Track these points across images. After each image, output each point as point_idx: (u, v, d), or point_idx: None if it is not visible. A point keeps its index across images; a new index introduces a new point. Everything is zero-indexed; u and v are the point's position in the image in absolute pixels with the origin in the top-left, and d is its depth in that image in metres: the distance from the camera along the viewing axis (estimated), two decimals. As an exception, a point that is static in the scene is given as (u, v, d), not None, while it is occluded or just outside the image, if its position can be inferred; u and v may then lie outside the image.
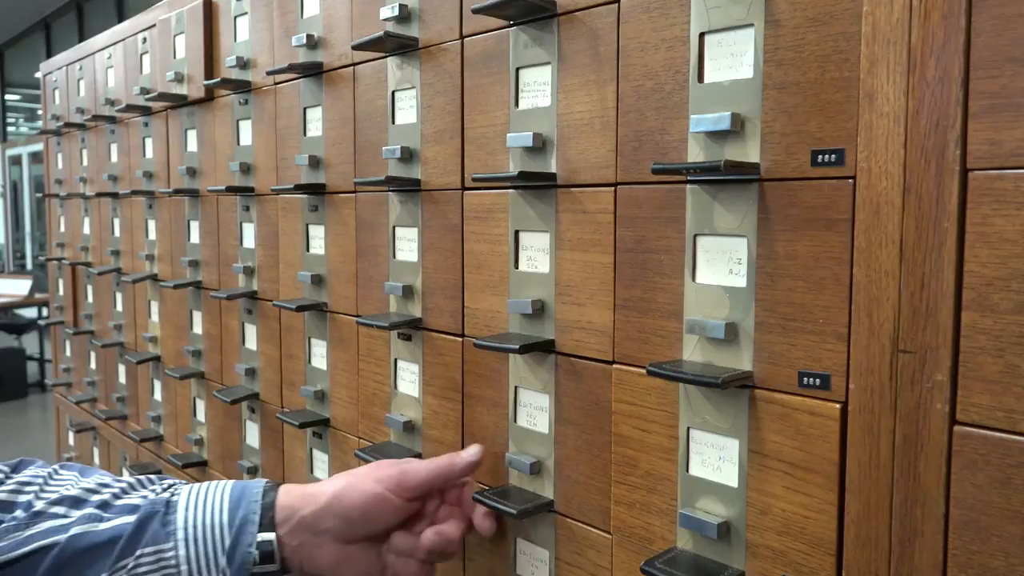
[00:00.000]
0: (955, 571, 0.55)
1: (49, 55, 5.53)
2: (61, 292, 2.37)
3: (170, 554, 0.72)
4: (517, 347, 0.80)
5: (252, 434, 1.41)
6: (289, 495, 0.79)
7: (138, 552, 0.71)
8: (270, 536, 0.75)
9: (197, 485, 0.79)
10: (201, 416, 1.59)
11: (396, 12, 0.99)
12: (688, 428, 0.72)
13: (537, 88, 0.84)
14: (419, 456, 1.01)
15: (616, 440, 0.77)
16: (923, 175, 0.55)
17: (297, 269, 1.26)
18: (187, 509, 0.75)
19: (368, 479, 0.80)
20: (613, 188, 0.77)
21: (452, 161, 0.95)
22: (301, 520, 0.77)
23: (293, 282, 1.27)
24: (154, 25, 1.67)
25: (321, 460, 1.22)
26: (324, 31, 1.15)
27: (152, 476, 0.81)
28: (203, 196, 1.55)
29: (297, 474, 1.28)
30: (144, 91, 1.70)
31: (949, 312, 0.55)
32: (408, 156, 1.00)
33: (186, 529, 0.73)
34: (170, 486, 0.79)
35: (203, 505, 0.75)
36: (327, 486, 0.80)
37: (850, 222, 0.60)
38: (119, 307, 1.95)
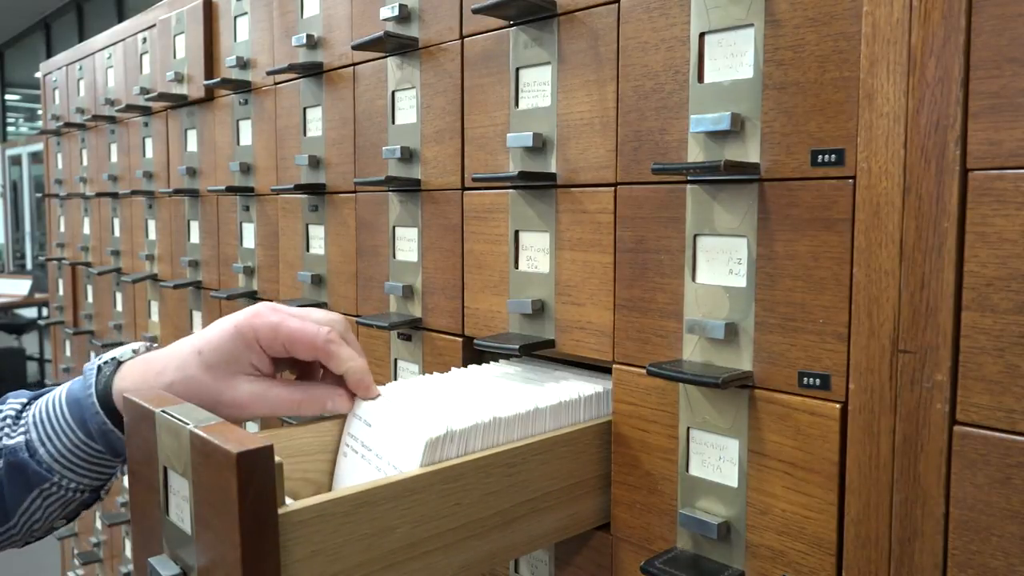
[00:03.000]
0: (955, 571, 0.55)
1: (49, 55, 5.53)
2: (61, 292, 2.37)
3: (61, 483, 0.72)
4: (517, 347, 0.80)
5: (252, 434, 1.41)
6: (126, 382, 0.73)
7: (35, 492, 0.72)
8: None
9: (38, 414, 0.74)
10: (201, 416, 1.59)
11: (396, 12, 0.99)
12: (688, 428, 0.72)
13: (537, 88, 0.84)
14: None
15: (616, 440, 0.77)
16: (923, 175, 0.55)
17: (297, 269, 1.26)
18: (43, 443, 0.72)
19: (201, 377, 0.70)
20: (613, 188, 0.77)
21: (452, 161, 0.95)
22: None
23: (293, 282, 1.27)
24: (154, 25, 1.67)
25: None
26: (324, 31, 1.15)
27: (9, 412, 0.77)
28: (203, 196, 1.55)
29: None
30: (144, 91, 1.70)
31: (949, 312, 0.55)
32: (408, 156, 1.00)
33: (58, 461, 0.72)
34: (17, 419, 0.76)
35: (57, 436, 0.73)
36: (164, 375, 0.71)
37: (850, 222, 0.60)
38: (119, 307, 1.95)
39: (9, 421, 0.75)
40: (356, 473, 0.70)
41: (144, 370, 0.72)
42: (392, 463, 0.66)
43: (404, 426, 0.66)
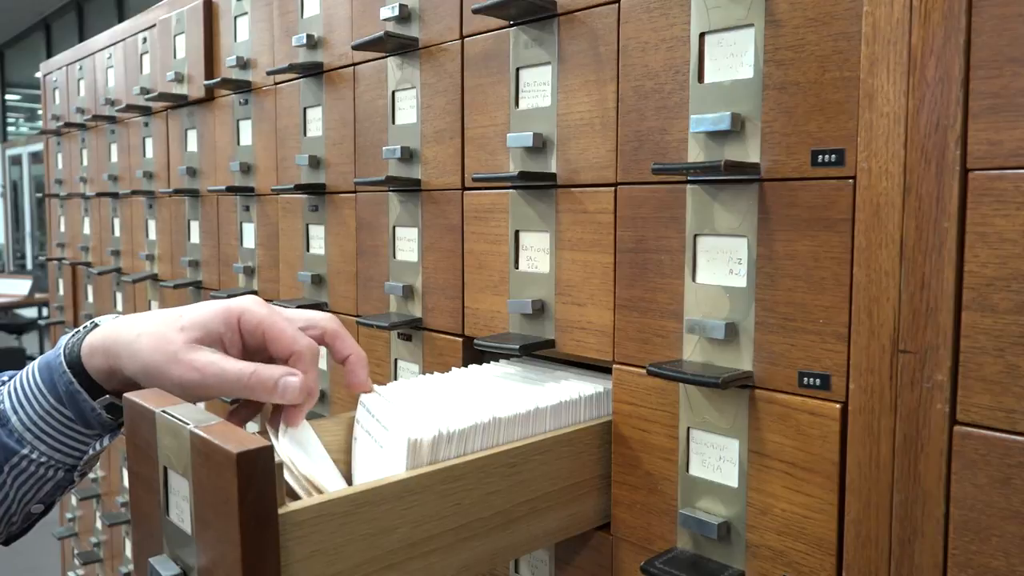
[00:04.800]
0: (955, 571, 0.55)
1: (49, 55, 5.53)
2: (61, 292, 2.37)
3: (32, 456, 0.71)
4: (517, 347, 0.80)
5: (252, 434, 1.41)
6: (95, 356, 0.71)
7: (5, 469, 0.70)
8: (105, 399, 0.71)
9: (14, 383, 0.74)
10: (201, 416, 1.59)
11: (396, 12, 0.99)
12: (688, 428, 0.72)
13: (537, 88, 0.84)
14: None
15: (616, 440, 0.77)
16: (923, 175, 0.55)
17: (297, 269, 1.26)
18: (16, 411, 0.71)
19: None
20: (613, 188, 0.77)
21: (452, 161, 0.95)
22: (122, 379, 0.71)
23: (293, 282, 1.27)
24: (154, 25, 1.67)
25: (321, 460, 1.22)
26: (324, 31, 1.15)
27: None
28: (203, 196, 1.55)
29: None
30: (144, 91, 1.70)
31: (949, 312, 0.55)
32: (408, 156, 1.00)
33: (29, 430, 0.70)
34: None
35: (28, 403, 0.71)
36: (134, 359, 0.68)
37: (850, 222, 0.60)
38: (119, 307, 1.95)
39: None
40: (369, 456, 0.70)
41: (118, 325, 0.70)
42: (392, 460, 0.66)
43: (397, 426, 0.66)
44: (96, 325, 0.73)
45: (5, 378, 0.75)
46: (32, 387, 0.71)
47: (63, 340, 0.73)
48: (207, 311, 0.69)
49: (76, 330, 0.74)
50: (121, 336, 0.69)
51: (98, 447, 0.73)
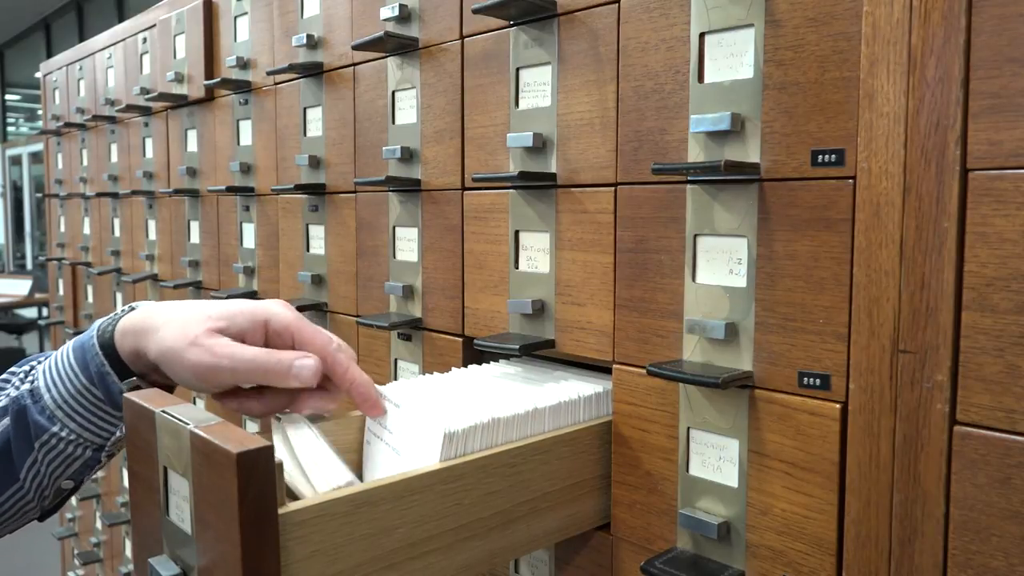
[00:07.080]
0: (955, 571, 0.55)
1: (49, 55, 5.53)
2: (61, 292, 2.37)
3: (61, 434, 0.72)
4: (517, 347, 0.80)
5: (252, 434, 1.41)
6: (126, 338, 0.73)
7: (36, 446, 0.72)
8: (132, 381, 0.73)
9: (48, 362, 0.76)
10: (201, 416, 1.59)
11: (396, 12, 0.99)
12: (688, 428, 0.72)
13: (537, 88, 0.84)
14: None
15: (616, 440, 0.77)
16: (923, 175, 0.55)
17: (297, 269, 1.26)
18: (49, 389, 0.73)
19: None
20: (613, 188, 0.77)
21: (452, 161, 0.95)
22: (147, 362, 0.73)
23: (293, 282, 1.27)
24: (154, 25, 1.67)
25: (321, 460, 1.22)
26: (324, 31, 1.15)
27: (15, 370, 0.78)
28: (203, 196, 1.55)
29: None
30: (144, 91, 1.70)
31: (949, 312, 0.55)
32: (408, 156, 1.00)
33: (60, 407, 0.72)
34: (29, 372, 0.77)
35: (61, 381, 0.73)
36: (158, 343, 0.70)
37: (850, 222, 0.60)
38: (119, 307, 1.95)
39: (21, 375, 0.76)
40: (383, 460, 0.71)
41: (152, 310, 0.72)
42: (412, 457, 0.66)
43: (422, 422, 0.67)
44: (133, 308, 0.75)
45: (43, 358, 0.77)
46: (65, 366, 0.73)
47: (99, 321, 0.75)
48: (236, 307, 0.71)
49: (114, 312, 0.76)
50: (150, 321, 0.71)
51: (125, 429, 0.74)
